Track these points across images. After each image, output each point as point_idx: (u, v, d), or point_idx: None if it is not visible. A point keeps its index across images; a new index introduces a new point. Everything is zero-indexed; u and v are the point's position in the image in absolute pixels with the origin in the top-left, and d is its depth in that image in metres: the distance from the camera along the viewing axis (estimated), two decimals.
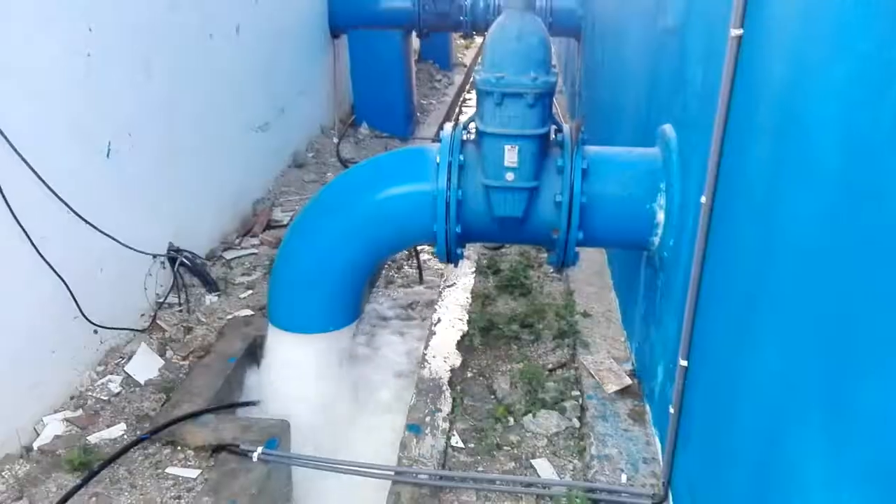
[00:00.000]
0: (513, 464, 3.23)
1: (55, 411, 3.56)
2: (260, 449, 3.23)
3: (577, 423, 3.44)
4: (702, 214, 2.43)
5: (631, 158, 3.23)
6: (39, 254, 3.37)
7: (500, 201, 3.12)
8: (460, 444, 3.34)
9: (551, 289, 4.76)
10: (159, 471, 3.21)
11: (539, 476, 3.13)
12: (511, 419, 3.49)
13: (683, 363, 2.62)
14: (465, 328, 4.28)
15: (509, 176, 3.08)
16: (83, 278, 3.72)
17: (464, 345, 4.13)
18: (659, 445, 3.14)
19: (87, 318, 3.73)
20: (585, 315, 4.23)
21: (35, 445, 3.35)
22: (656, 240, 3.13)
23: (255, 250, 5.36)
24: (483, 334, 4.20)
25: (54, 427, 3.45)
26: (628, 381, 3.59)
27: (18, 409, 3.35)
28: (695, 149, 2.75)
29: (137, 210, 4.27)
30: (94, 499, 3.04)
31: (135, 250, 4.18)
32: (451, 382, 3.78)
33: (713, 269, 2.41)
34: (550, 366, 3.90)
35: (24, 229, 3.27)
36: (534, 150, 3.04)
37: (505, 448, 3.32)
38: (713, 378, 2.37)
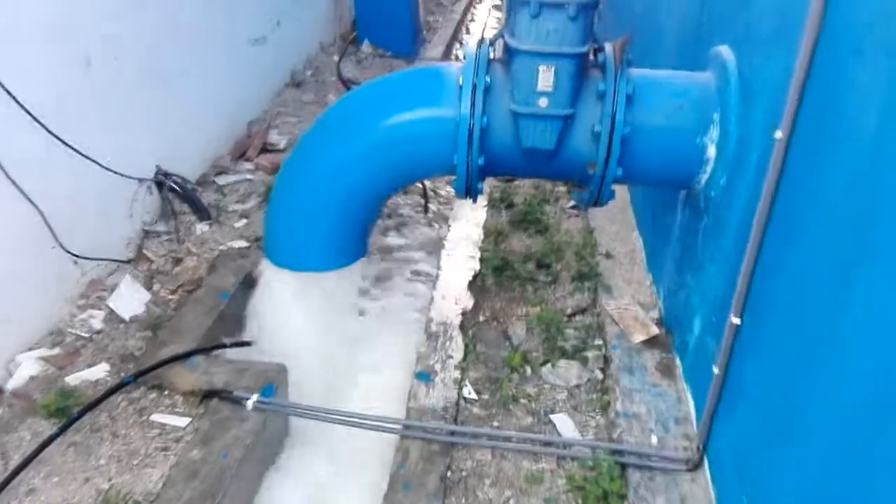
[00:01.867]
0: (530, 419, 2.97)
1: (30, 349, 3.26)
2: (255, 396, 2.95)
3: (599, 375, 3.17)
4: (775, 152, 2.06)
5: (680, 84, 2.83)
6: (9, 178, 2.99)
7: (529, 130, 2.73)
8: (473, 396, 3.07)
9: (569, 226, 4.42)
10: (144, 418, 2.95)
11: (559, 434, 2.87)
12: (528, 369, 3.22)
13: (735, 321, 2.31)
14: (477, 267, 3.96)
15: (542, 102, 2.68)
16: (60, 205, 3.34)
17: (476, 285, 3.82)
18: (692, 404, 2.88)
19: (64, 248, 3.38)
20: (608, 256, 3.90)
21: (7, 387, 3.06)
22: (703, 178, 2.77)
23: (249, 176, 4.97)
24: (496, 274, 3.88)
25: (29, 366, 3.15)
26: (655, 330, 3.30)
27: None
28: (762, 75, 2.36)
29: (121, 130, 3.85)
30: (71, 448, 2.77)
31: (118, 174, 3.79)
32: (462, 327, 3.49)
33: (788, 216, 2.06)
34: (569, 311, 3.60)
35: None
36: (572, 72, 2.64)
37: (522, 401, 3.06)
38: (780, 341, 2.06)
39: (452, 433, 2.81)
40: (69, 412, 2.90)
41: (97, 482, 2.63)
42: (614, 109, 2.68)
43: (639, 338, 3.26)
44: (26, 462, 2.63)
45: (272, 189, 3.21)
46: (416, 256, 4.31)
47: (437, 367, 3.21)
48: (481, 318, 3.60)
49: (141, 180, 4.07)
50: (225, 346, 3.47)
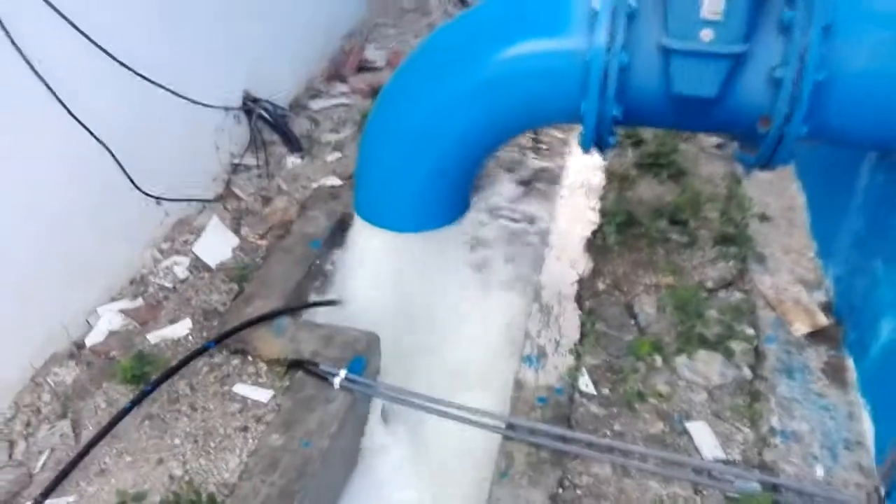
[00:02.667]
0: (661, 424, 2.48)
1: (112, 299, 3.06)
2: (343, 373, 2.62)
3: (748, 374, 2.61)
4: None
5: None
6: (72, 115, 2.67)
7: (685, 72, 2.09)
8: (591, 390, 2.61)
9: (711, 170, 3.72)
10: (226, 388, 2.69)
11: (696, 447, 2.38)
12: (658, 359, 2.70)
13: None
14: (598, 220, 3.40)
15: (706, 34, 2.03)
16: (136, 140, 3.04)
17: (595, 245, 3.27)
18: (869, 425, 2.30)
19: (141, 190, 3.10)
20: (763, 218, 3.22)
21: (87, 342, 2.88)
22: None
23: (345, 100, 4.52)
24: (620, 231, 3.30)
25: (109, 320, 2.96)
26: (824, 320, 2.68)
27: (66, 299, 2.85)
28: None
29: (201, 53, 3.46)
30: (147, 422, 2.56)
31: (200, 104, 3.43)
32: (579, 298, 2.99)
33: None
34: (711, 284, 3.01)
35: (49, 87, 2.56)
36: None
37: (650, 400, 2.57)
38: None
39: (565, 439, 2.38)
40: (147, 378, 2.69)
41: (171, 465, 2.41)
42: (805, 46, 1.99)
43: (801, 329, 2.66)
44: (99, 437, 2.44)
45: (363, 134, 2.74)
46: (524, 207, 3.77)
47: (549, 348, 2.75)
48: (601, 287, 3.07)
49: (227, 109, 3.71)
50: (311, 304, 3.16)
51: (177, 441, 2.50)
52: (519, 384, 2.62)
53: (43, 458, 2.43)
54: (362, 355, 2.76)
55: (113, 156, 2.89)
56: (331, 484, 2.55)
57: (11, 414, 2.57)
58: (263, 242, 3.42)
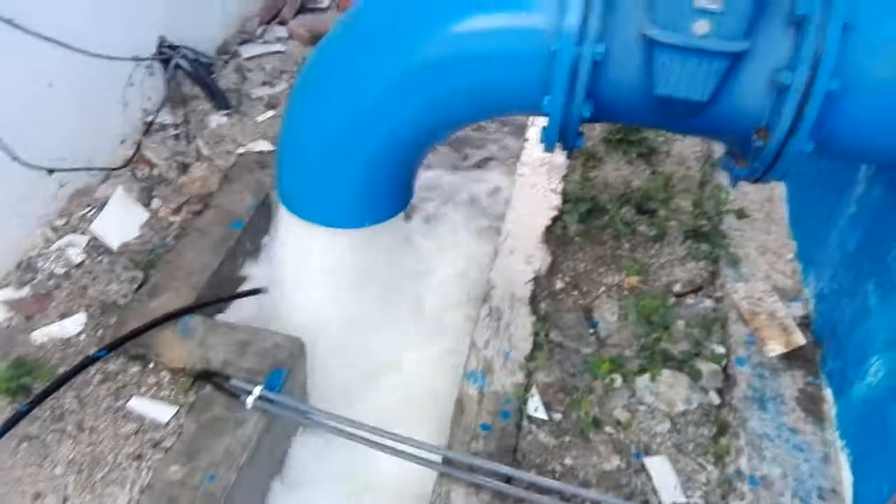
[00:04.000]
0: (617, 459, 2.20)
1: None
2: (258, 390, 2.27)
3: (715, 399, 2.34)
4: None
5: None
6: None
7: (673, 70, 1.70)
8: (541, 414, 2.30)
9: (684, 150, 3.38)
10: (120, 402, 2.32)
11: (658, 495, 2.11)
12: (618, 378, 2.40)
13: None
14: (559, 205, 3.04)
15: (700, 26, 1.64)
16: (19, 102, 2.54)
17: (555, 234, 2.93)
18: (847, 472, 2.05)
19: (21, 160, 2.61)
20: (740, 215, 2.90)
21: None
22: None
23: (281, 47, 4.00)
24: (583, 220, 2.96)
25: None
26: (801, 339, 2.40)
27: None
28: None
29: None
30: (25, 444, 2.19)
31: (101, 56, 2.91)
32: (533, 299, 2.65)
33: None
34: (678, 287, 2.71)
35: None
36: None
37: (606, 428, 2.28)
38: None
39: (509, 479, 2.09)
40: (28, 390, 2.30)
41: (49, 502, 2.05)
42: (820, 47, 1.61)
43: (776, 349, 2.38)
44: None
45: (285, 114, 2.29)
46: (477, 187, 3.38)
47: (496, 362, 2.43)
48: (558, 286, 2.74)
49: (138, 60, 3.18)
50: (230, 297, 2.77)
51: (58, 471, 2.13)
52: (460, 406, 2.31)
53: None
54: (284, 366, 2.40)
55: None
56: None
57: None
58: (177, 218, 2.99)
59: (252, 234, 2.98)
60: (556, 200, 3.07)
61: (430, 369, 2.66)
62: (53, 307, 2.61)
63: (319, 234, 2.40)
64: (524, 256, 2.80)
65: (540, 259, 2.81)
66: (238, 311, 2.77)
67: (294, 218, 2.42)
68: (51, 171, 2.79)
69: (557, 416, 2.32)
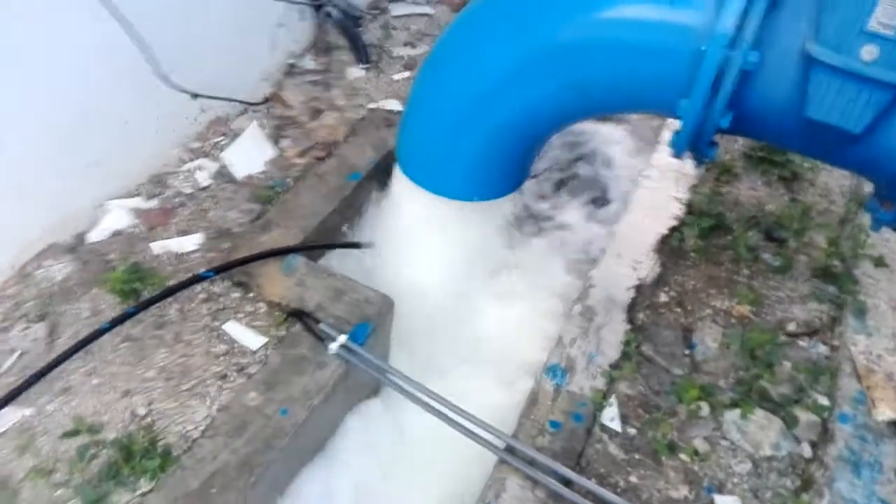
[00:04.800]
0: (685, 489, 2.09)
1: (127, 195, 2.82)
2: (343, 338, 2.32)
3: (807, 452, 2.17)
4: None
5: None
6: None
7: (828, 94, 1.55)
8: (615, 426, 2.22)
9: (830, 181, 3.11)
10: (217, 323, 2.44)
11: None
12: (705, 406, 2.27)
13: None
14: (680, 216, 2.89)
15: (869, 51, 1.48)
16: (176, 27, 2.70)
17: (669, 246, 2.79)
18: None
19: (171, 82, 2.77)
20: (878, 263, 2.65)
21: (88, 238, 2.66)
22: None
23: (430, 10, 4.02)
24: (703, 235, 2.81)
25: (117, 217, 2.73)
26: None
27: (75, 187, 2.62)
28: None
29: None
30: (125, 344, 2.35)
31: None
32: (631, 308, 2.55)
33: None
34: (793, 326, 2.52)
35: None
36: None
37: (681, 455, 2.17)
38: None
39: (568, 483, 2.03)
40: (138, 295, 2.47)
41: (136, 401, 2.20)
42: None
43: (886, 413, 2.17)
44: (71, 352, 2.24)
45: (417, 77, 2.29)
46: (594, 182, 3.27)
47: (580, 362, 2.37)
48: (662, 299, 2.62)
49: (291, 2, 3.29)
50: (333, 245, 2.84)
51: (150, 374, 2.28)
52: (533, 398, 2.26)
53: (11, 359, 2.26)
54: (370, 321, 2.44)
55: (141, 42, 2.56)
56: (299, 459, 2.30)
57: None
58: (300, 161, 3.09)
59: (366, 188, 3.03)
60: (679, 211, 2.92)
61: (511, 355, 2.62)
62: (174, 223, 2.77)
63: (429, 201, 2.40)
64: (631, 261, 2.69)
65: (648, 268, 2.69)
66: (338, 260, 2.84)
67: (408, 181, 2.44)
68: (195, 96, 2.95)
69: (632, 431, 2.22)
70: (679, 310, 2.60)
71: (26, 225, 2.49)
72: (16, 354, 2.28)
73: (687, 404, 2.26)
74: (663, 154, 3.17)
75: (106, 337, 2.32)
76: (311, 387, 2.26)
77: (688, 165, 3.07)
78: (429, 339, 2.61)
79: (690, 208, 2.92)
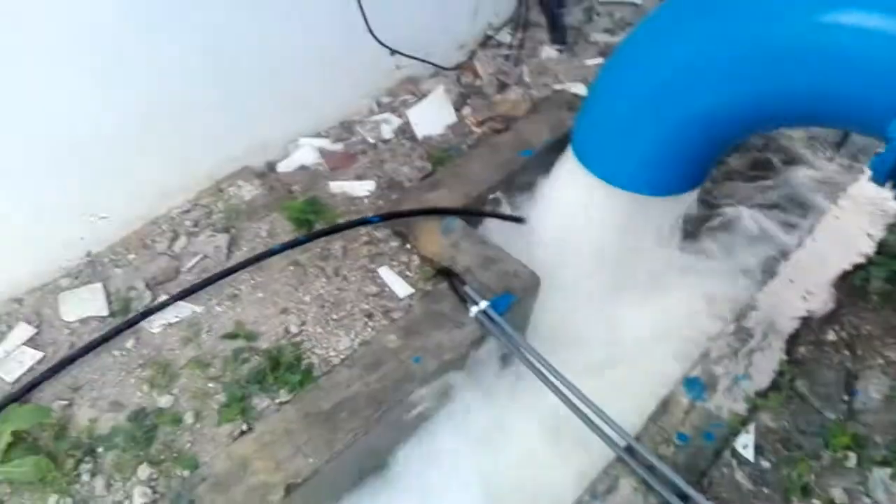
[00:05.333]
0: None
1: (317, 135, 3.04)
2: (484, 304, 2.37)
3: None
4: None
5: None
6: None
7: None
8: (748, 454, 2.10)
9: None
10: (373, 265, 2.58)
11: None
12: (853, 457, 2.08)
13: None
14: (869, 254, 2.64)
15: None
16: None
17: (850, 283, 2.56)
18: None
19: (374, 35, 2.92)
20: None
21: (278, 168, 2.91)
22: None
23: (638, 0, 3.91)
24: (892, 279, 2.54)
25: (304, 154, 2.95)
26: None
27: (275, 120, 2.86)
28: None
29: None
30: (291, 268, 2.55)
31: None
32: (793, 339, 2.38)
33: None
34: None
35: None
36: None
37: (814, 500, 2.01)
38: None
39: (686, 499, 1.95)
40: (310, 225, 2.66)
41: (291, 320, 2.39)
42: None
43: None
44: (245, 264, 2.48)
45: (608, 59, 2.26)
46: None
47: (722, 382, 2.25)
48: (829, 338, 2.41)
49: None
50: (492, 214, 2.89)
51: (306, 298, 2.46)
52: (664, 407, 2.19)
53: (194, 260, 2.53)
54: (514, 294, 2.47)
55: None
56: (410, 408, 2.39)
57: (187, 208, 2.69)
58: (478, 130, 3.16)
59: (536, 166, 3.05)
60: (869, 248, 2.66)
61: (650, 361, 2.54)
62: (354, 168, 2.95)
63: (596, 188, 2.37)
64: (804, 290, 2.50)
65: (821, 301, 2.48)
66: (495, 230, 2.87)
67: (577, 165, 2.42)
68: (393, 53, 3.10)
69: (765, 464, 2.09)
70: (847, 352, 2.38)
71: (230, 144, 2.76)
72: (198, 257, 2.55)
73: (833, 451, 2.09)
74: (864, 184, 2.89)
75: (276, 258, 2.54)
76: (446, 342, 2.33)
77: (889, 201, 2.78)
78: (564, 325, 2.59)
79: (882, 248, 2.65)
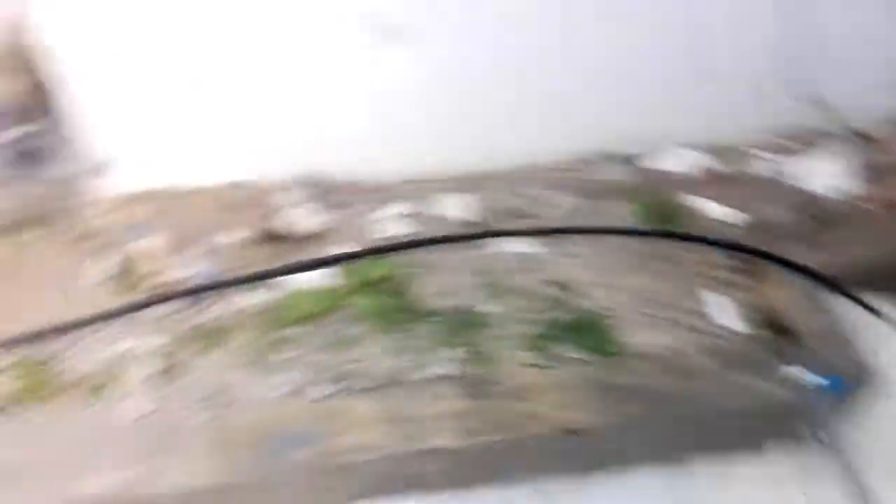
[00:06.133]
0: None
1: (696, 147, 3.03)
2: (809, 375, 2.19)
3: None
4: None
5: None
6: None
7: None
8: None
9: None
10: (702, 285, 2.51)
11: None
12: None
13: None
14: None
15: None
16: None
17: None
18: None
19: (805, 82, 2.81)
20: None
21: (646, 162, 3.00)
22: None
23: None
24: None
25: (677, 160, 2.99)
26: None
27: (662, 121, 2.95)
28: None
29: None
30: (625, 253, 2.60)
31: None
32: None
33: None
34: None
35: None
36: None
37: None
38: None
39: None
40: (661, 224, 2.70)
41: (612, 296, 2.44)
42: None
43: None
44: (594, 230, 2.63)
45: None
46: None
47: None
48: None
49: None
50: (848, 294, 2.59)
51: (625, 284, 2.49)
52: None
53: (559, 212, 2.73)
54: (847, 382, 2.23)
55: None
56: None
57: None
58: (874, 209, 2.87)
59: None
60: None
61: None
62: (723, 192, 2.85)
63: None
64: None
65: None
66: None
67: None
68: (815, 102, 2.94)
69: None
70: None
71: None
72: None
73: None
74: None
75: (616, 239, 2.62)
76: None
77: None
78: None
79: None
